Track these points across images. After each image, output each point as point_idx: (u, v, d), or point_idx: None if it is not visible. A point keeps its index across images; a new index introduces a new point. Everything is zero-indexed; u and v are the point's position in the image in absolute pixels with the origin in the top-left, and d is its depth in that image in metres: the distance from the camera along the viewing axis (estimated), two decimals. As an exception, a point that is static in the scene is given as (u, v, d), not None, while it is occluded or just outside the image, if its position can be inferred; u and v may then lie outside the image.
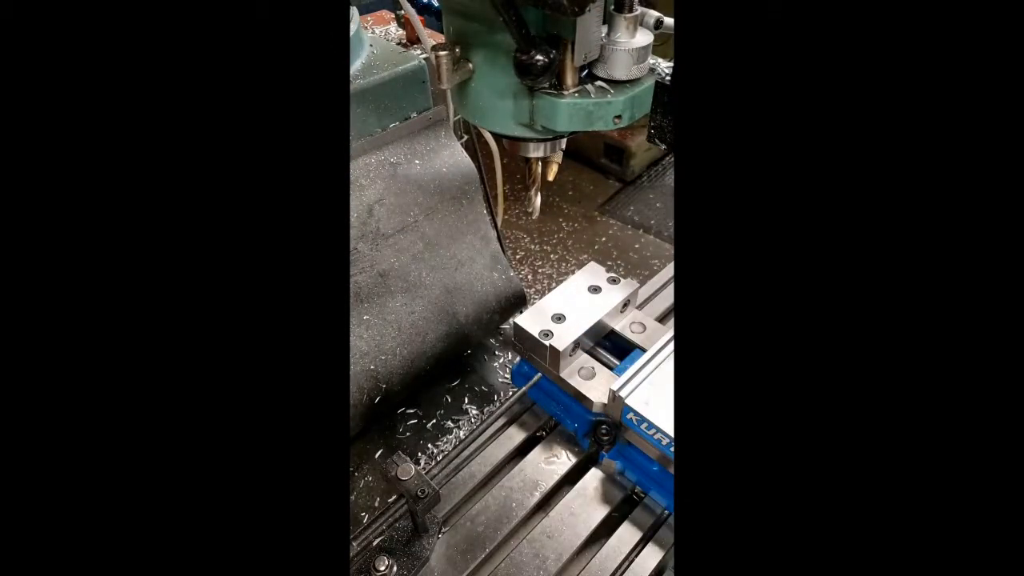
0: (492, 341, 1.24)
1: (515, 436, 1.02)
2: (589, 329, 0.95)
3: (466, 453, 0.97)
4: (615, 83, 0.65)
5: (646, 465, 0.91)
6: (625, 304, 1.01)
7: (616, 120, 0.65)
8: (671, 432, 0.83)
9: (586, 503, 0.93)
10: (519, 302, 1.21)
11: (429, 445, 1.05)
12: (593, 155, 3.34)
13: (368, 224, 1.00)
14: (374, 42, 1.08)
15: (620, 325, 1.02)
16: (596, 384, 0.95)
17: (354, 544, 0.77)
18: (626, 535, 0.89)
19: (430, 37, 1.35)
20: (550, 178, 0.79)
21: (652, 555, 0.88)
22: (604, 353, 1.01)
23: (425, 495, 0.78)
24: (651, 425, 0.85)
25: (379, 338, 1.02)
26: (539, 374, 0.98)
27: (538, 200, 0.85)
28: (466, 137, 1.55)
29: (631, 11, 0.62)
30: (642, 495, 0.95)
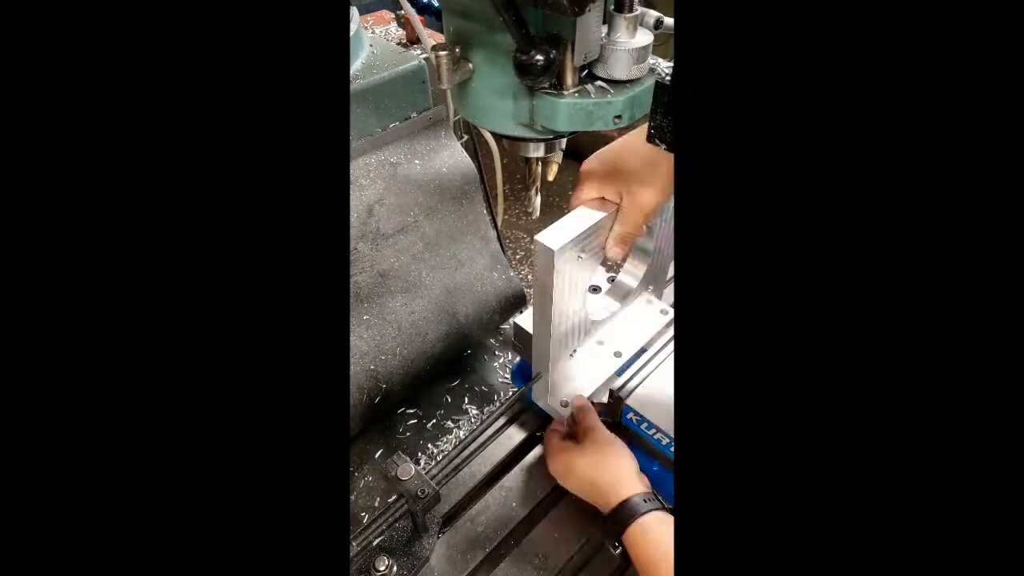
0: (492, 341, 1.24)
1: (515, 436, 1.02)
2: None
3: (466, 453, 0.97)
4: (615, 83, 0.65)
5: (647, 465, 0.92)
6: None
7: (616, 120, 0.65)
8: (671, 432, 0.83)
9: (587, 503, 0.93)
10: (519, 302, 1.21)
11: (429, 445, 1.05)
12: (593, 155, 3.34)
13: (368, 224, 1.00)
14: (374, 42, 1.08)
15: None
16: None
17: (354, 544, 0.77)
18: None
19: (430, 37, 1.35)
20: (550, 178, 0.79)
21: None
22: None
23: (425, 495, 0.78)
24: (651, 425, 0.86)
25: (379, 338, 1.02)
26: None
27: (538, 200, 0.85)
28: (466, 137, 1.55)
29: (631, 11, 0.62)
30: None
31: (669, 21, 0.66)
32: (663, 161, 0.74)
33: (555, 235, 0.76)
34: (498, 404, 1.10)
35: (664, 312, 1.03)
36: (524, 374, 1.07)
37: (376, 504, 0.97)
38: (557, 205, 3.16)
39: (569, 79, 0.63)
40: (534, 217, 0.88)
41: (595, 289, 1.02)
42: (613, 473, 0.82)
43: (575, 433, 0.90)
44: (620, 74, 0.64)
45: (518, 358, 1.12)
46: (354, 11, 1.04)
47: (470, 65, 0.66)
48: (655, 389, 0.90)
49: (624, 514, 0.78)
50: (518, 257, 2.89)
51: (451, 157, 1.11)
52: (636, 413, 0.87)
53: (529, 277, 2.77)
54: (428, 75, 1.07)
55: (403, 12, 1.30)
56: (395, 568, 0.82)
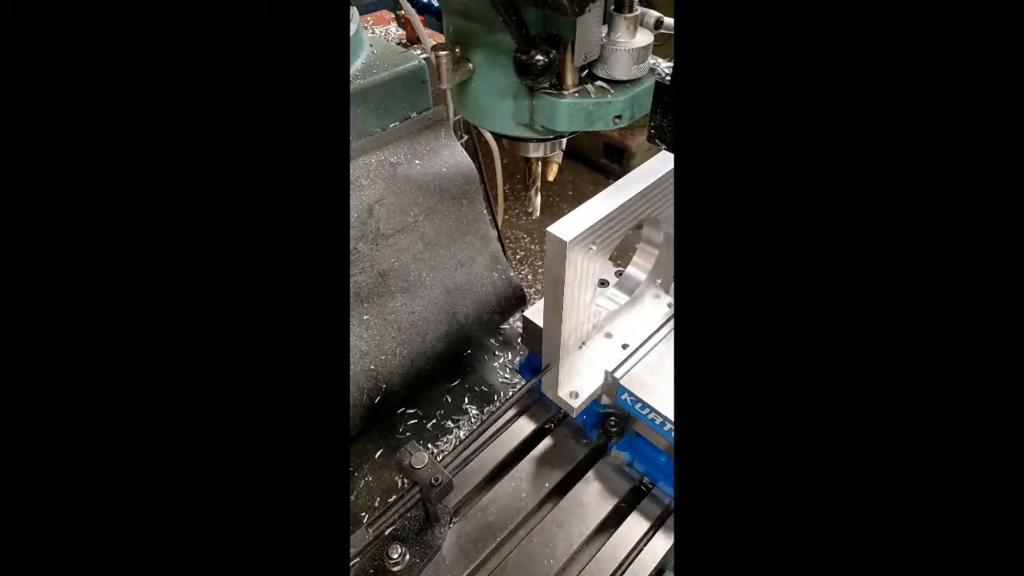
0: (492, 341, 1.24)
1: (524, 428, 1.03)
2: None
3: (475, 445, 0.98)
4: (615, 83, 0.65)
5: (654, 456, 0.93)
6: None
7: (616, 120, 0.65)
8: (669, 414, 0.84)
9: (595, 493, 0.94)
10: (519, 302, 1.21)
11: (429, 445, 1.05)
12: (593, 155, 3.34)
13: (368, 224, 1.00)
14: (374, 42, 1.08)
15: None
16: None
17: (369, 531, 0.78)
18: (635, 525, 0.91)
19: (430, 37, 1.35)
20: (550, 178, 0.79)
21: (661, 544, 0.89)
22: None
23: (439, 483, 0.79)
24: (645, 405, 0.86)
25: (379, 338, 1.02)
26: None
27: (538, 200, 0.85)
28: (466, 137, 1.55)
29: (631, 11, 0.62)
30: (650, 486, 0.96)
31: (669, 21, 0.66)
32: None
33: (567, 227, 0.77)
34: (498, 403, 1.11)
35: (671, 305, 1.03)
36: (532, 367, 1.08)
37: (376, 504, 0.97)
38: (557, 205, 3.16)
39: (569, 79, 0.63)
40: (534, 217, 0.88)
41: (603, 283, 1.03)
42: None
43: None
44: (620, 74, 0.64)
45: (517, 358, 1.12)
46: (354, 11, 1.04)
47: (470, 65, 0.66)
48: (651, 371, 0.90)
49: None
50: (518, 257, 2.89)
51: (451, 157, 1.11)
52: (631, 394, 0.87)
53: (529, 277, 2.77)
54: (428, 75, 1.07)
55: (403, 12, 1.30)
56: (408, 556, 0.84)
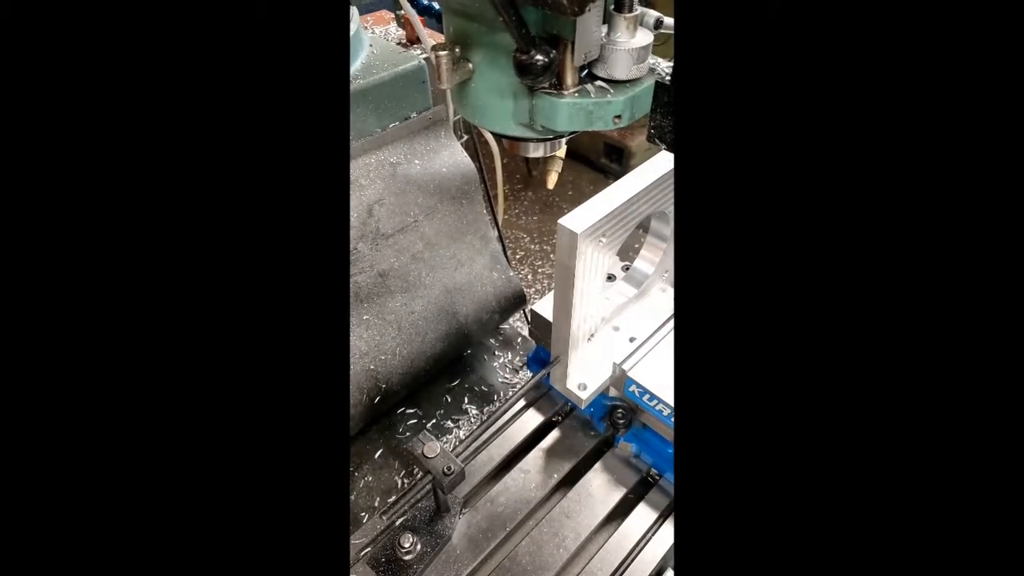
0: (492, 341, 1.24)
1: (532, 421, 1.04)
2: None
3: (484, 437, 0.99)
4: (615, 83, 0.65)
5: (661, 447, 0.93)
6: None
7: (616, 120, 0.65)
8: (672, 403, 0.84)
9: (603, 485, 0.95)
10: (519, 302, 1.21)
11: (430, 444, 1.05)
12: (593, 155, 3.34)
13: (368, 224, 1.00)
14: (374, 42, 1.08)
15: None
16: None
17: (383, 518, 0.80)
18: (642, 515, 0.92)
19: (430, 37, 1.35)
20: (550, 186, 0.81)
21: (667, 534, 0.90)
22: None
23: (451, 472, 0.80)
24: (652, 396, 0.86)
25: (379, 338, 1.02)
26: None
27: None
28: (466, 137, 1.55)
29: (631, 11, 0.62)
30: (657, 477, 0.97)
31: (669, 21, 0.66)
32: None
33: (578, 219, 0.78)
34: (499, 402, 1.11)
35: None
36: (540, 359, 1.08)
37: (376, 504, 0.97)
38: (557, 205, 3.16)
39: (569, 79, 0.63)
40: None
41: (611, 278, 1.04)
42: None
43: None
44: (620, 74, 0.64)
45: (517, 358, 1.13)
46: (354, 11, 1.04)
47: (470, 65, 0.66)
48: (658, 363, 0.91)
49: None
50: (518, 257, 2.89)
51: (451, 157, 1.11)
52: (639, 386, 0.88)
53: (529, 277, 2.78)
54: (428, 75, 1.07)
55: (403, 12, 1.30)
56: (419, 546, 0.85)
